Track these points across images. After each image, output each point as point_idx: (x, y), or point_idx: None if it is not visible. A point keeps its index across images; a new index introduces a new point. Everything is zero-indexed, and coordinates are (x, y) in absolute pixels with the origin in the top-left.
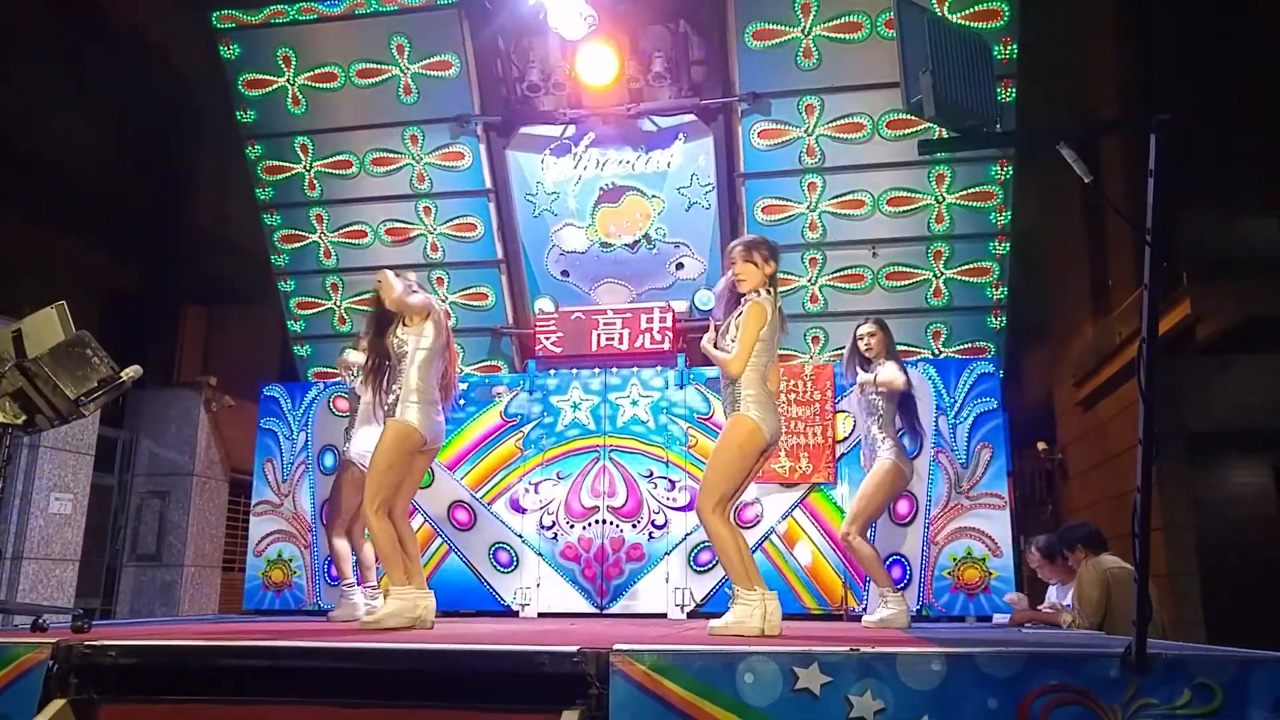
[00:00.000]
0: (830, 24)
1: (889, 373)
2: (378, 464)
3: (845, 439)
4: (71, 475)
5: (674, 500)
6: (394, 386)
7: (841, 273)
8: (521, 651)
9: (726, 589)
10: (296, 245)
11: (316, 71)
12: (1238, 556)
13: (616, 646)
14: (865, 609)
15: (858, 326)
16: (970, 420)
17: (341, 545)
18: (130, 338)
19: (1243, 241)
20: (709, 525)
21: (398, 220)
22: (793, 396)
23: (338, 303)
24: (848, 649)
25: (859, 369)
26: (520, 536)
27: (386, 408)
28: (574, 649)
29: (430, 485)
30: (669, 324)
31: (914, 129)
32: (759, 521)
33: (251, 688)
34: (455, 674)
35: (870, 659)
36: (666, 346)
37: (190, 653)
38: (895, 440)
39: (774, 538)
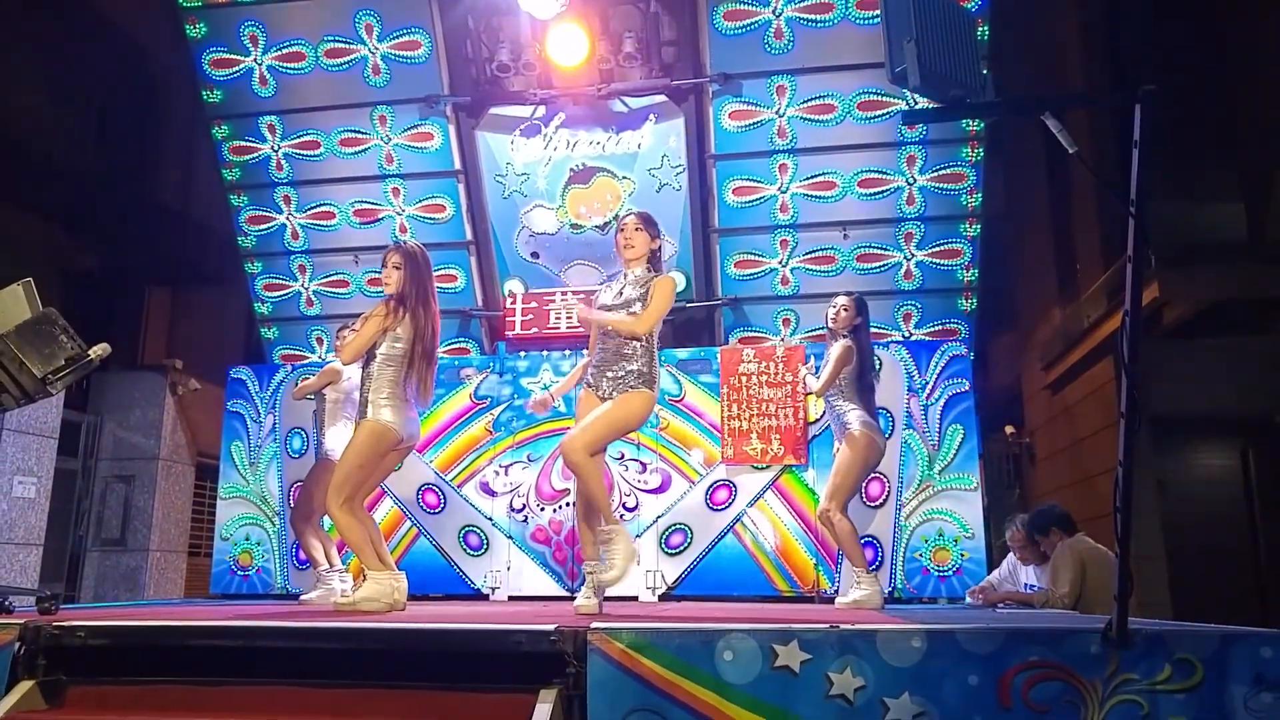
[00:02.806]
0: (801, 5)
1: (832, 356)
2: (348, 460)
3: (816, 421)
4: (35, 459)
5: (645, 483)
6: (365, 384)
7: (812, 254)
8: (498, 630)
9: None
10: (263, 226)
11: (284, 51)
12: (1204, 540)
13: (594, 625)
14: (837, 590)
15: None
16: (942, 402)
17: (314, 542)
18: (93, 319)
19: (1210, 227)
20: (583, 467)
21: (366, 201)
22: (764, 378)
23: (305, 284)
24: (827, 626)
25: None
26: (490, 519)
27: (358, 405)
28: (551, 627)
29: (399, 468)
30: None
31: (885, 110)
32: (731, 503)
33: (223, 668)
34: (431, 654)
35: (850, 636)
36: None
37: (161, 633)
38: (862, 410)
39: (745, 520)
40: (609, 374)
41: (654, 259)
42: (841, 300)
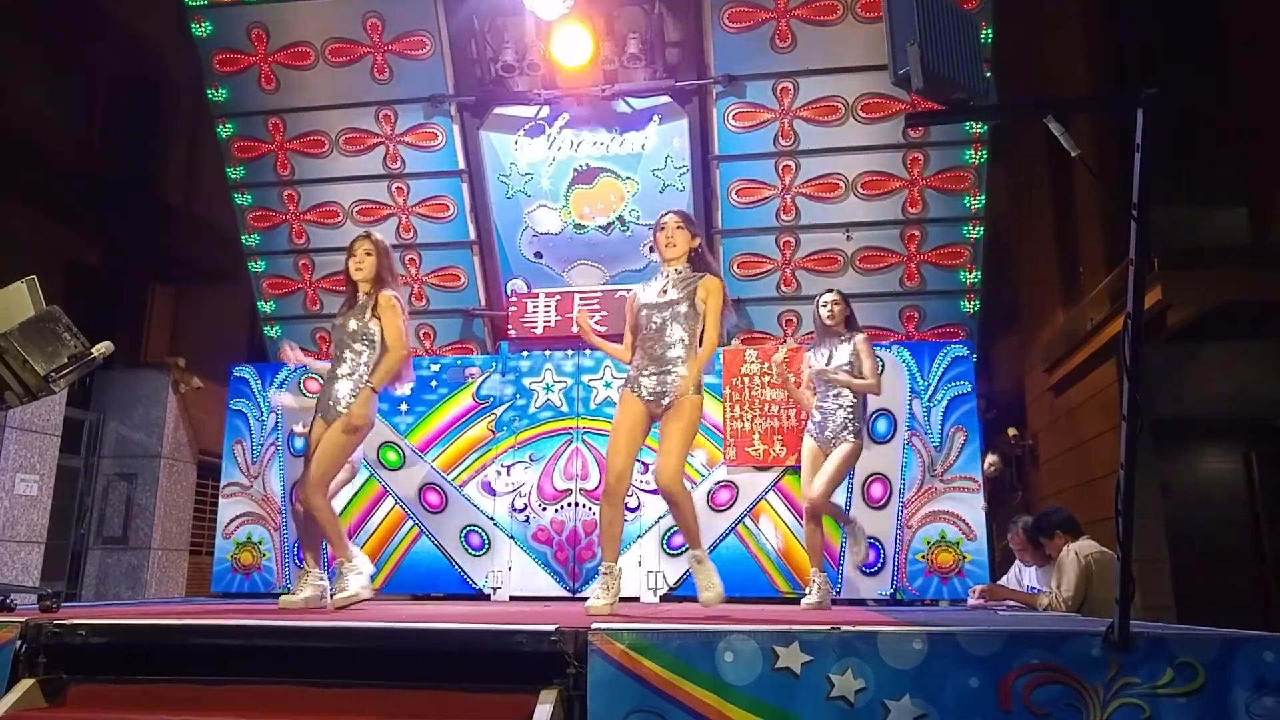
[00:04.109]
0: (806, 6)
1: (865, 353)
2: (332, 455)
3: None
4: (38, 456)
5: (647, 483)
6: (353, 368)
7: (815, 256)
8: (499, 630)
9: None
10: (268, 225)
11: (289, 50)
12: (1207, 543)
13: (595, 625)
14: (840, 591)
15: (820, 295)
16: (944, 403)
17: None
18: (96, 317)
19: (1213, 230)
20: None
21: (370, 200)
22: (766, 380)
23: (309, 283)
24: (828, 627)
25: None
26: (492, 519)
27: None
28: (552, 628)
29: (402, 467)
30: None
31: (889, 113)
32: (733, 504)
33: (224, 667)
34: (431, 653)
35: (851, 638)
36: None
37: (162, 632)
38: (860, 418)
39: (747, 520)
40: (658, 378)
41: (695, 257)
42: (831, 296)
